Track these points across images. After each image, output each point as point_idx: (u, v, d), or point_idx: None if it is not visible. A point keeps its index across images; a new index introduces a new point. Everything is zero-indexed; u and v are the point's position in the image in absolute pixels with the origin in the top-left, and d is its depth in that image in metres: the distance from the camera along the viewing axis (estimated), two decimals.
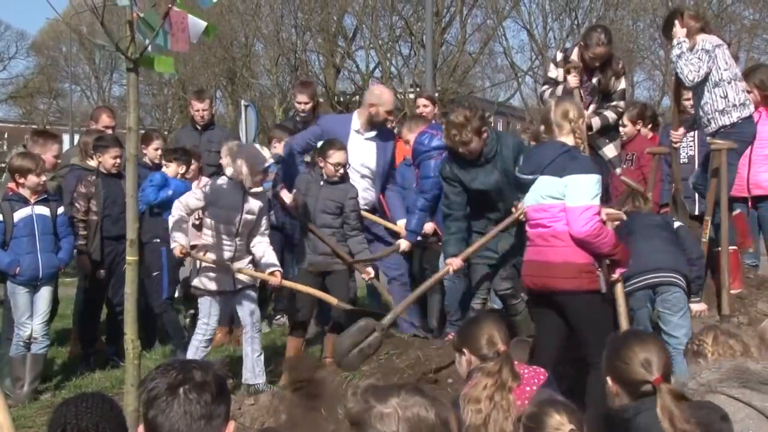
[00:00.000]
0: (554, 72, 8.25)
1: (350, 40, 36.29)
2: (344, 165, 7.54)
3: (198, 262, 7.27)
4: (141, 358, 5.58)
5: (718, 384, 3.58)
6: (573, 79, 7.87)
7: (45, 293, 7.75)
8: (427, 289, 7.25)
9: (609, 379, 3.80)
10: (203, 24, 5.60)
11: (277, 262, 7.34)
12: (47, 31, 52.62)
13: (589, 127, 7.73)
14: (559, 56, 8.27)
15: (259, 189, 7.20)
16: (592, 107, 8.05)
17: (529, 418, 3.50)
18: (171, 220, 7.18)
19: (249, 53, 37.64)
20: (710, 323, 5.56)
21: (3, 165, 10.72)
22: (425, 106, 9.54)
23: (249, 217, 7.19)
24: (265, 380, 7.32)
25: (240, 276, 7.25)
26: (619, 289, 5.99)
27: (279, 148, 8.74)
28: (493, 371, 4.17)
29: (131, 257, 5.65)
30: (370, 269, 7.64)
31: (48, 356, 8.14)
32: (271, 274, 7.22)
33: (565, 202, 5.53)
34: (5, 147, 50.04)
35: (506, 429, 3.97)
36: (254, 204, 7.20)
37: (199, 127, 9.86)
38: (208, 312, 7.24)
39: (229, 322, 8.99)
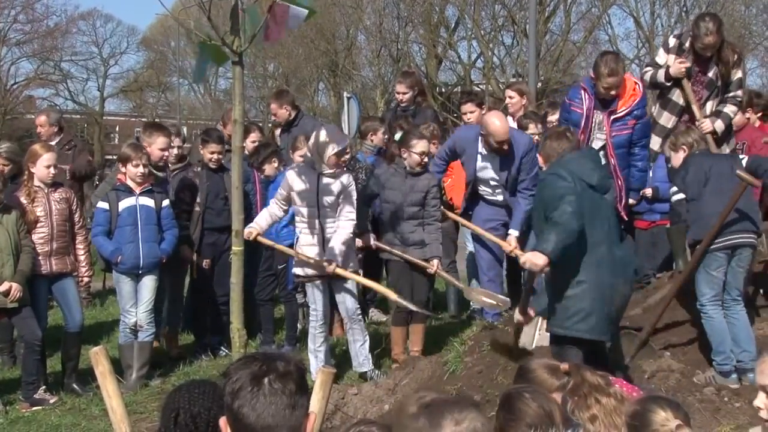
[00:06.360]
0: (662, 58, 7.80)
1: (452, 30, 36.15)
2: (428, 153, 7.53)
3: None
4: (247, 346, 5.66)
5: None
6: (677, 65, 7.58)
7: (148, 282, 7.86)
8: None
9: None
10: (304, 12, 5.62)
11: (336, 253, 7.14)
12: (156, 26, 54.02)
13: (714, 132, 7.54)
14: (672, 42, 7.84)
15: (331, 171, 7.04)
16: (710, 103, 7.70)
17: (633, 417, 3.39)
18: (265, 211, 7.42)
19: (351, 45, 37.92)
20: None
21: (114, 157, 10.96)
22: (511, 98, 9.34)
23: (328, 199, 7.11)
24: (371, 367, 7.38)
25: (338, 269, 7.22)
26: None
27: (376, 140, 8.74)
28: (574, 389, 3.79)
29: (237, 247, 5.73)
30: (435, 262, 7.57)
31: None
32: (328, 262, 7.10)
33: None
34: (116, 140, 51.70)
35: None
36: (332, 186, 7.10)
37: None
38: (314, 298, 7.30)
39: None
